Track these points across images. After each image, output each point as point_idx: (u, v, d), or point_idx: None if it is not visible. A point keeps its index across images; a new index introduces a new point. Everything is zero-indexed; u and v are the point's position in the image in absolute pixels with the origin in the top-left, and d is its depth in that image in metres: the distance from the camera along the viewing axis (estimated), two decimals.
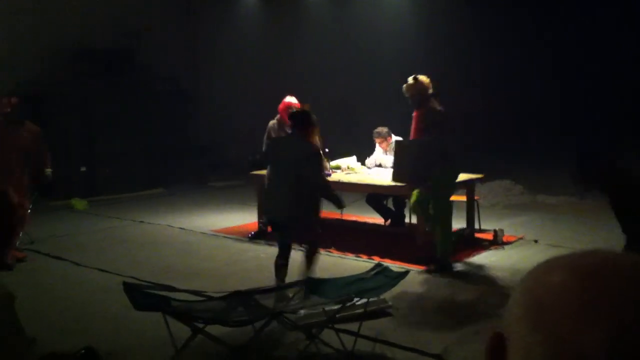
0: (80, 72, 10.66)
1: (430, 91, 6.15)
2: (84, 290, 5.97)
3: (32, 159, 6.79)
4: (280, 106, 7.53)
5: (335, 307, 4.49)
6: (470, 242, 7.23)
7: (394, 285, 4.67)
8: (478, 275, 6.07)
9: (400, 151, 6.60)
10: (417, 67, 11.35)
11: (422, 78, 6.17)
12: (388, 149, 7.75)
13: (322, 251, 7.08)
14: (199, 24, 12.70)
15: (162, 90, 11.59)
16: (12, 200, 6.18)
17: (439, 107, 6.12)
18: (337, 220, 8.57)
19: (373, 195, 7.68)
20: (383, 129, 7.84)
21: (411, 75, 6.09)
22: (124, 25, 11.18)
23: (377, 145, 7.97)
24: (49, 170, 7.00)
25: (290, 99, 7.47)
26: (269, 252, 7.17)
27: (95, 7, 11.04)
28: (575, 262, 0.67)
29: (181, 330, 4.31)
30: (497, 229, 7.32)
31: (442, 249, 6.25)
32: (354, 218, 8.69)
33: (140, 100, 11.16)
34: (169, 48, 11.92)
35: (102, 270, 6.53)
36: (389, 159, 7.72)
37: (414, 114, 6.14)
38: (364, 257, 6.74)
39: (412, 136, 6.16)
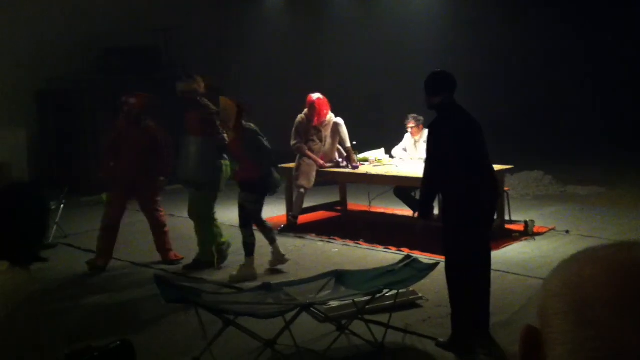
0: (109, 69, 10.78)
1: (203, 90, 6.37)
2: (116, 283, 6.06)
3: (151, 162, 6.48)
4: (308, 101, 7.58)
5: (365, 298, 4.49)
6: (500, 233, 7.17)
7: (423, 277, 4.66)
8: (508, 267, 6.02)
9: (184, 147, 6.45)
10: (444, 58, 11.28)
11: (198, 78, 6.37)
12: (418, 137, 7.68)
13: (351, 243, 7.14)
14: (227, 19, 12.75)
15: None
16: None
17: (213, 107, 6.28)
18: (366, 212, 8.57)
19: (401, 187, 7.65)
20: (419, 116, 7.76)
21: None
22: (153, 22, 11.27)
23: (408, 132, 7.84)
24: (163, 180, 6.66)
25: (314, 95, 7.57)
26: (298, 244, 7.21)
27: (124, 4, 11.13)
28: (617, 256, 0.66)
29: (213, 322, 4.36)
30: (527, 220, 7.25)
31: (203, 250, 6.40)
32: (382, 210, 8.67)
33: (169, 96, 11.25)
34: (197, 44, 11.99)
35: (133, 264, 6.62)
36: (415, 149, 7.66)
37: (189, 115, 6.34)
38: (393, 249, 6.73)
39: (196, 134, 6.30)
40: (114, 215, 6.49)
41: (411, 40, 13.02)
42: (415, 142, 7.73)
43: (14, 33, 10.09)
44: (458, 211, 4.36)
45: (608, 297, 0.62)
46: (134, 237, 7.56)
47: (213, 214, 6.40)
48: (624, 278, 0.63)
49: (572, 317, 0.63)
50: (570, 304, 0.64)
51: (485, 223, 4.56)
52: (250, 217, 6.10)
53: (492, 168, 4.66)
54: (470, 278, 4.39)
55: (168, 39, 11.48)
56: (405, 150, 7.88)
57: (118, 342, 1.92)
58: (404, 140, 7.93)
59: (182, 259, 6.60)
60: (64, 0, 10.63)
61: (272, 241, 6.24)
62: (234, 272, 5.98)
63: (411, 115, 7.72)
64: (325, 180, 8.26)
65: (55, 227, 7.41)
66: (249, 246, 6.06)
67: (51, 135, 10.89)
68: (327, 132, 7.68)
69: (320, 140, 7.68)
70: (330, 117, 7.66)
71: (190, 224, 6.50)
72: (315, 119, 7.56)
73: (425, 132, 7.51)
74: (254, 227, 6.16)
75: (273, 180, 6.11)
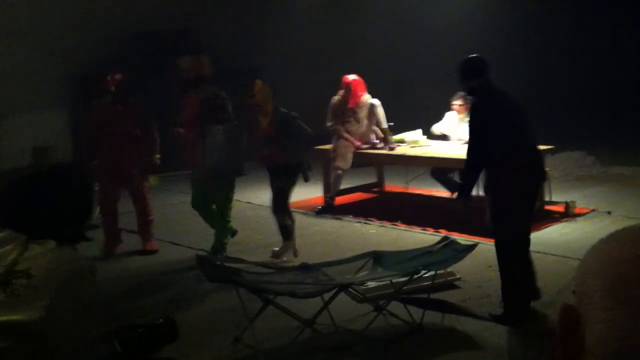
0: (144, 54, 10.87)
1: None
2: (159, 263, 6.17)
3: (140, 143, 6.30)
4: (343, 82, 7.57)
5: (403, 279, 4.50)
6: (541, 214, 7.08)
7: (461, 258, 4.65)
8: (549, 248, 5.96)
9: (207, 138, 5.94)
10: (477, 37, 11.09)
11: (204, 58, 6.02)
12: (462, 116, 7.50)
13: (388, 224, 7.14)
14: (256, 3, 12.75)
15: (224, 69, 11.72)
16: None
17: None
18: (403, 193, 8.55)
19: (438, 169, 7.60)
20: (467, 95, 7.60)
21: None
22: (185, 4, 11.33)
23: (450, 111, 7.65)
24: (157, 157, 6.44)
25: (350, 76, 7.57)
26: (336, 226, 7.24)
27: None
28: None
29: (253, 301, 4.42)
30: (568, 200, 7.15)
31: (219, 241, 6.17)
32: (419, 191, 8.64)
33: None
34: (231, 26, 12.02)
35: (175, 244, 6.73)
36: (459, 128, 7.58)
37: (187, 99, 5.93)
38: (431, 230, 6.71)
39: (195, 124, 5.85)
40: (109, 206, 6.40)
41: (442, 21, 12.84)
42: (460, 120, 7.61)
43: (53, 19, 10.25)
44: (504, 191, 4.41)
45: None
46: (175, 218, 7.69)
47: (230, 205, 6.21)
48: None
49: (612, 295, 0.63)
50: (610, 281, 0.64)
51: (530, 203, 4.57)
52: (279, 202, 5.98)
53: (539, 150, 4.68)
54: (520, 253, 4.48)
55: (199, 22, 11.54)
56: (445, 130, 7.75)
57: (161, 320, 1.97)
58: (445, 118, 7.77)
59: (157, 250, 6.44)
60: None
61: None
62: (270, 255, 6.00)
63: (459, 93, 7.48)
64: (362, 161, 8.25)
65: (99, 209, 7.56)
66: (285, 229, 6.03)
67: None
68: (363, 114, 7.65)
69: (357, 122, 7.66)
70: (367, 98, 7.63)
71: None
72: (351, 100, 7.54)
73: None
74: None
75: (306, 165, 6.01)
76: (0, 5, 9.70)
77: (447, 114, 7.72)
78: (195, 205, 6.16)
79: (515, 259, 4.44)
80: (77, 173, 2.05)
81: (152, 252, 6.45)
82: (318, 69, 12.03)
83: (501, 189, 4.45)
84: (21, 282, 1.79)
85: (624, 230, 0.68)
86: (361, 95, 7.58)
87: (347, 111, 7.62)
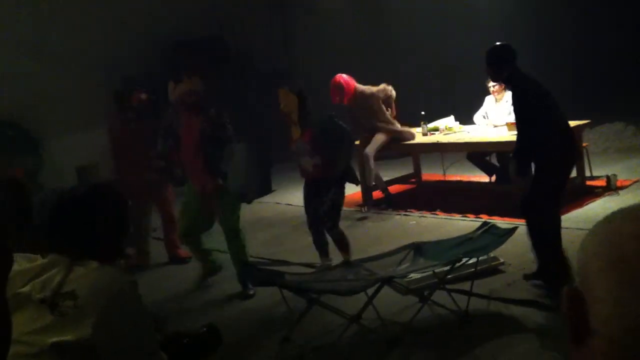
0: (178, 62, 11.03)
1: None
2: (193, 268, 6.20)
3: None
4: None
5: (445, 268, 4.50)
6: (582, 191, 6.98)
7: (502, 242, 4.62)
8: (591, 224, 5.85)
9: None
10: (510, 19, 10.92)
11: (197, 78, 5.62)
12: (500, 97, 7.42)
13: (428, 214, 7.12)
14: (289, 6, 12.82)
15: (258, 74, 11.82)
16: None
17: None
18: (441, 181, 8.51)
19: (475, 152, 7.54)
20: None
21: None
22: (217, 14, 11.46)
23: (488, 96, 7.57)
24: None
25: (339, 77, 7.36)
26: (376, 219, 7.25)
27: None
28: None
29: (298, 302, 4.48)
30: (609, 174, 7.02)
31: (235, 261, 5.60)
32: (457, 178, 8.58)
33: (238, 86, 11.46)
34: (262, 32, 12.12)
35: (217, 250, 6.82)
36: (497, 111, 7.47)
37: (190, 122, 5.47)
38: (471, 217, 6.68)
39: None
40: (138, 220, 6.38)
41: (471, 9, 12.67)
42: (497, 101, 7.49)
43: (91, 36, 10.47)
44: (553, 173, 4.59)
45: None
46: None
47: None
48: None
49: (612, 275, 0.64)
50: (610, 262, 0.65)
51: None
52: (334, 217, 5.46)
53: (572, 130, 4.91)
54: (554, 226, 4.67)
55: (233, 30, 11.66)
56: (485, 116, 7.65)
57: (204, 328, 2.03)
58: (484, 104, 7.67)
59: (190, 257, 6.23)
60: (131, 1, 10.93)
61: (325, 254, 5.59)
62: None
63: None
64: (398, 152, 8.22)
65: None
66: (344, 242, 5.51)
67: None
68: (367, 104, 7.51)
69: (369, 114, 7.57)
70: (364, 89, 7.50)
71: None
72: (337, 99, 7.35)
73: (508, 93, 7.34)
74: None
75: (352, 171, 5.56)
76: (42, 29, 9.96)
77: (487, 98, 7.62)
78: (187, 233, 5.69)
79: (550, 231, 4.63)
80: (113, 192, 2.13)
81: (185, 259, 6.46)
82: (355, 62, 12.02)
83: (552, 168, 4.60)
84: (68, 303, 1.87)
85: (621, 210, 0.69)
86: (348, 92, 7.34)
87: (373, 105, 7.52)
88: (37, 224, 2.29)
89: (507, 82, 4.82)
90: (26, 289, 1.88)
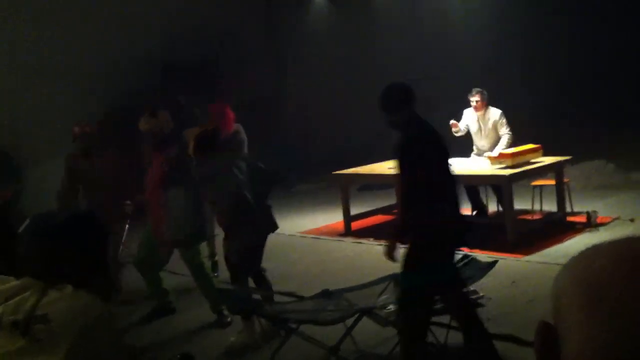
0: (169, 84, 11.02)
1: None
2: (178, 298, 6.16)
3: (107, 193, 5.97)
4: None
5: None
6: (562, 226, 7.04)
7: (482, 275, 4.62)
8: None
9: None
10: (491, 49, 11.08)
11: (164, 113, 5.40)
12: (481, 113, 7.40)
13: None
14: (277, 28, 12.95)
15: (247, 96, 11.86)
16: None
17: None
18: None
19: (470, 185, 7.54)
20: (484, 91, 7.46)
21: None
22: (207, 35, 11.53)
23: (467, 109, 7.53)
24: (127, 204, 6.19)
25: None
26: (357, 249, 7.24)
27: (177, 20, 11.39)
28: (623, 248, 0.67)
29: (275, 331, 4.43)
30: (589, 210, 7.09)
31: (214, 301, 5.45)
32: None
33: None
34: (250, 54, 12.21)
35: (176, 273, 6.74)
36: (480, 124, 7.45)
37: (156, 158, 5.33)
38: None
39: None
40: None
41: (456, 37, 12.88)
42: (479, 117, 7.48)
43: (83, 57, 10.44)
44: (422, 240, 4.00)
45: (618, 287, 0.64)
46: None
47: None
48: (632, 267, 0.64)
49: (584, 310, 0.65)
50: (581, 297, 0.66)
51: (449, 258, 4.16)
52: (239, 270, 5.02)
53: (458, 197, 4.24)
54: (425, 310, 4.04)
55: (223, 51, 11.73)
56: (464, 127, 7.61)
57: (178, 356, 2.00)
58: (463, 118, 7.62)
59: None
60: (123, 21, 10.94)
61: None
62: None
63: (475, 89, 7.46)
64: (380, 183, 8.25)
65: (121, 248, 7.62)
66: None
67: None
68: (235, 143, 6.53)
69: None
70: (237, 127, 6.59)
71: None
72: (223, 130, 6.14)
73: (491, 109, 7.37)
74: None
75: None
76: (38, 46, 9.92)
77: (465, 111, 7.63)
78: (139, 266, 5.63)
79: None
80: (90, 219, 2.11)
81: None
82: (337, 93, 12.12)
83: (418, 235, 4.04)
84: (40, 327, 1.83)
85: (595, 246, 0.70)
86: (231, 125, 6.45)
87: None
88: (21, 249, 2.25)
89: (398, 128, 4.07)
90: None
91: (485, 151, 7.50)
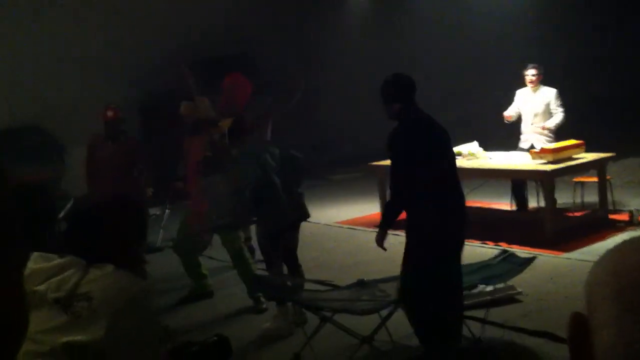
0: (202, 80, 11.14)
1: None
2: (214, 282, 6.22)
3: (127, 177, 6.21)
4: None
5: None
6: (604, 224, 6.91)
7: (520, 271, 4.58)
8: None
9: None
10: (531, 49, 10.91)
11: (203, 99, 5.53)
12: (536, 88, 7.25)
13: None
14: (309, 24, 12.94)
15: (278, 90, 11.90)
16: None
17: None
18: None
19: (518, 181, 7.45)
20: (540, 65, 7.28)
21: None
22: (241, 31, 11.59)
23: (522, 89, 7.37)
24: (150, 190, 6.46)
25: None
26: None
27: (209, 16, 11.49)
28: None
29: (311, 319, 4.46)
30: (632, 209, 6.94)
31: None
32: (478, 204, 8.52)
33: (259, 102, 11.55)
34: (282, 49, 12.24)
35: (215, 259, 6.79)
36: (532, 102, 7.29)
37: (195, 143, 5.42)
38: (490, 244, 6.62)
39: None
40: None
41: (496, 32, 12.69)
42: (532, 95, 7.30)
43: (118, 50, 10.64)
44: (421, 236, 4.01)
45: None
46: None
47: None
48: None
49: (618, 303, 0.65)
50: (616, 290, 0.65)
51: (452, 255, 4.09)
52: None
53: (461, 190, 4.23)
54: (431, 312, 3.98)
55: (256, 47, 11.79)
56: (517, 110, 7.45)
57: (215, 337, 2.03)
58: (515, 99, 7.49)
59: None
60: (157, 17, 11.10)
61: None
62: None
63: (531, 64, 7.30)
64: None
65: (161, 232, 7.77)
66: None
67: (155, 147, 11.42)
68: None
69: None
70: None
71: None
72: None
73: (546, 88, 7.21)
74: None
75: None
76: (75, 35, 10.12)
77: (518, 92, 7.45)
78: (179, 250, 5.76)
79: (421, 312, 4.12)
80: (131, 200, 2.15)
81: None
82: (369, 88, 12.08)
83: (416, 232, 4.11)
84: (82, 304, 1.88)
85: (631, 240, 0.70)
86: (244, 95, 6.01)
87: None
88: (64, 229, 2.32)
89: (396, 119, 4.07)
90: (42, 287, 1.89)
91: (535, 130, 7.34)
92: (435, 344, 4.02)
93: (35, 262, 1.92)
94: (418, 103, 4.16)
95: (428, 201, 3.92)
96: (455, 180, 4.14)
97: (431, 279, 3.92)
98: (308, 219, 5.26)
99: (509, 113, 7.43)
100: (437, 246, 3.96)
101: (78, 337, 1.84)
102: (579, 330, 0.68)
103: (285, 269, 5.12)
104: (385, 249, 4.20)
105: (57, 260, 1.97)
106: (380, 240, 4.21)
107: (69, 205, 6.53)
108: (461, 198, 4.15)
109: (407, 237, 4.12)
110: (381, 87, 4.12)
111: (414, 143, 3.95)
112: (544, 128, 7.18)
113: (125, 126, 6.55)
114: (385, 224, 4.23)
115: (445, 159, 4.10)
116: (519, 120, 7.48)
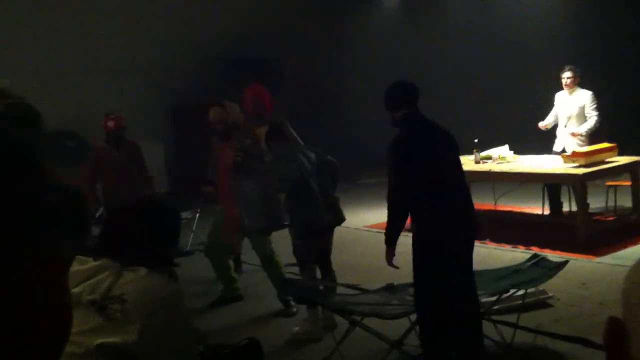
0: (233, 81, 11.24)
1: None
2: (250, 284, 6.26)
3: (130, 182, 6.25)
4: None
5: (492, 298, 4.42)
6: (637, 228, 6.79)
7: (552, 275, 4.51)
8: None
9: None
10: (566, 54, 10.79)
11: (233, 105, 5.50)
12: (571, 91, 7.22)
13: (477, 243, 6.97)
14: (341, 26, 12.96)
15: (310, 93, 11.96)
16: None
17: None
18: (491, 211, 8.39)
19: (552, 184, 7.37)
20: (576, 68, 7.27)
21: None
22: (272, 34, 11.66)
23: (560, 91, 7.37)
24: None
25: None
26: None
27: (242, 17, 11.58)
28: None
29: (340, 323, 4.46)
30: None
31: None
32: (508, 208, 8.45)
33: (290, 105, 11.61)
34: (313, 52, 12.28)
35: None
36: (568, 104, 7.26)
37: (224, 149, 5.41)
38: (521, 248, 6.56)
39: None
40: None
41: (527, 36, 12.56)
42: (569, 97, 7.29)
43: (149, 52, 10.78)
44: (419, 239, 3.97)
45: None
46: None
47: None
48: None
49: None
50: None
51: (453, 257, 3.95)
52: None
53: (469, 196, 4.17)
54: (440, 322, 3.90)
55: (286, 49, 11.85)
56: (553, 118, 7.48)
57: (246, 340, 2.05)
58: (554, 105, 7.50)
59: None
60: (189, 19, 11.23)
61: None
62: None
63: (567, 66, 7.29)
64: None
65: (192, 235, 7.84)
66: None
67: (186, 149, 11.53)
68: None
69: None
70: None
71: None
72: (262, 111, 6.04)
73: (582, 90, 7.18)
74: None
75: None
76: (117, 45, 10.31)
77: (557, 95, 7.45)
78: (209, 253, 5.80)
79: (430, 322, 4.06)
80: (165, 205, 2.18)
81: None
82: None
83: (421, 241, 4.04)
84: (116, 307, 1.92)
85: None
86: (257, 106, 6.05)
87: None
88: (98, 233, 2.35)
89: (398, 126, 4.03)
90: (77, 290, 1.93)
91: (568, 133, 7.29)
92: (432, 347, 3.99)
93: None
94: (424, 107, 4.12)
95: (424, 206, 3.89)
96: (457, 183, 4.07)
97: (430, 282, 3.92)
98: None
99: (545, 122, 7.46)
100: (435, 249, 3.92)
101: (112, 339, 1.87)
102: (616, 334, 0.67)
103: (318, 273, 5.13)
104: (397, 267, 4.09)
105: (91, 263, 2.01)
106: (389, 259, 4.12)
107: (101, 209, 6.64)
108: (460, 201, 4.06)
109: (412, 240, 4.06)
110: (384, 94, 4.09)
111: (413, 150, 3.92)
112: (573, 135, 7.13)
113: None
114: (390, 241, 4.14)
115: (444, 164, 4.02)
116: (556, 124, 7.47)
